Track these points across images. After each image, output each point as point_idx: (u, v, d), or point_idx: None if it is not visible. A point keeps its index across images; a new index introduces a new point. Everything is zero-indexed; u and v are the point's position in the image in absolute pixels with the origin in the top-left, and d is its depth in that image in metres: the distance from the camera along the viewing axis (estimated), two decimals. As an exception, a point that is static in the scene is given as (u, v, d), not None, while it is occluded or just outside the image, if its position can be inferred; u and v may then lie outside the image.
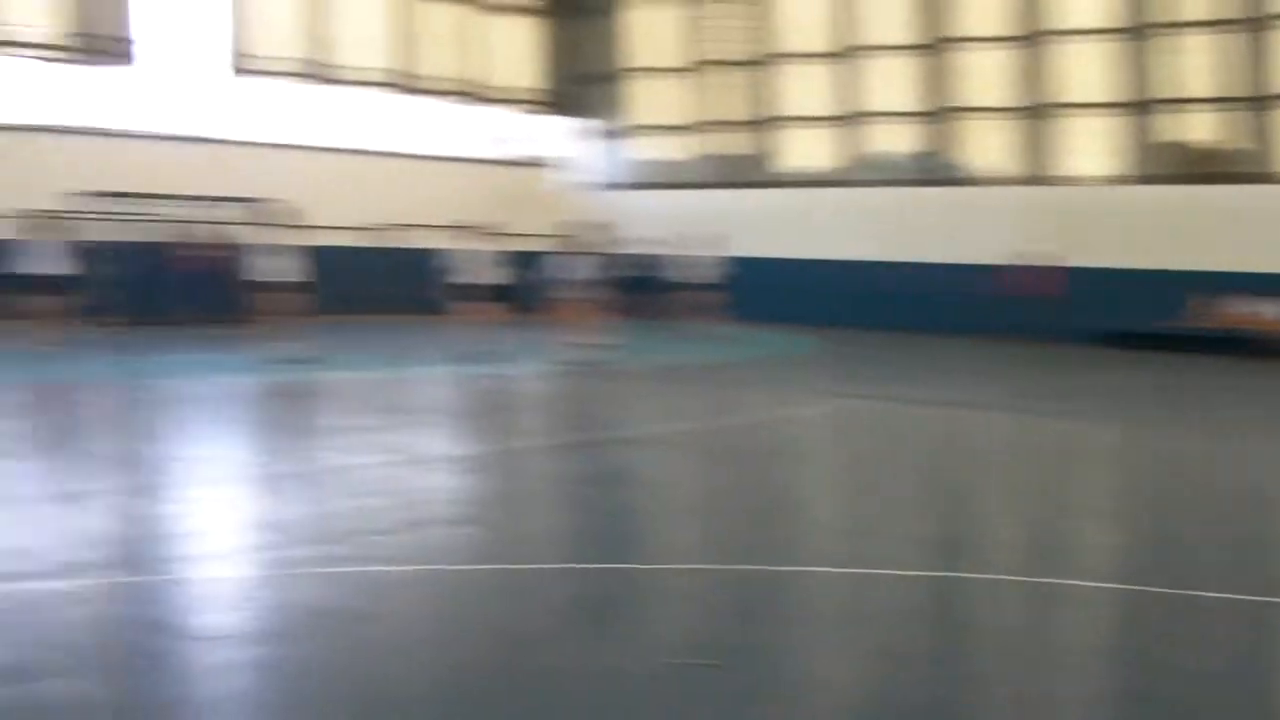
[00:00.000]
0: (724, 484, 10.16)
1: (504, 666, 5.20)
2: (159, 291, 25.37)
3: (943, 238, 27.66)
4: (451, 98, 32.79)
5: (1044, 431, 13.69)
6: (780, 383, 17.59)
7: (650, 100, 34.24)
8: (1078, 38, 27.08)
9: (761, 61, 31.99)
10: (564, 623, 6.01)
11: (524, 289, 28.78)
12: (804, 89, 31.40)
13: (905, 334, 25.84)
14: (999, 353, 23.10)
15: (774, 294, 28.77)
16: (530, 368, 18.53)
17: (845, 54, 30.40)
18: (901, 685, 5.14)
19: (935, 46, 28.89)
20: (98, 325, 22.77)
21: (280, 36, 29.41)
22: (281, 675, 5.03)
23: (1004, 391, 17.71)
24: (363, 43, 30.92)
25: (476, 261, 19.28)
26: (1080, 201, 26.93)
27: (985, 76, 28.45)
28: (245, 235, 25.43)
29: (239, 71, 28.80)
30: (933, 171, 29.24)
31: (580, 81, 35.16)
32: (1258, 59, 25.10)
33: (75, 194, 23.61)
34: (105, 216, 23.67)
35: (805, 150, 31.73)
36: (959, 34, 28.62)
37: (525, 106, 34.56)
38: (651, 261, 28.21)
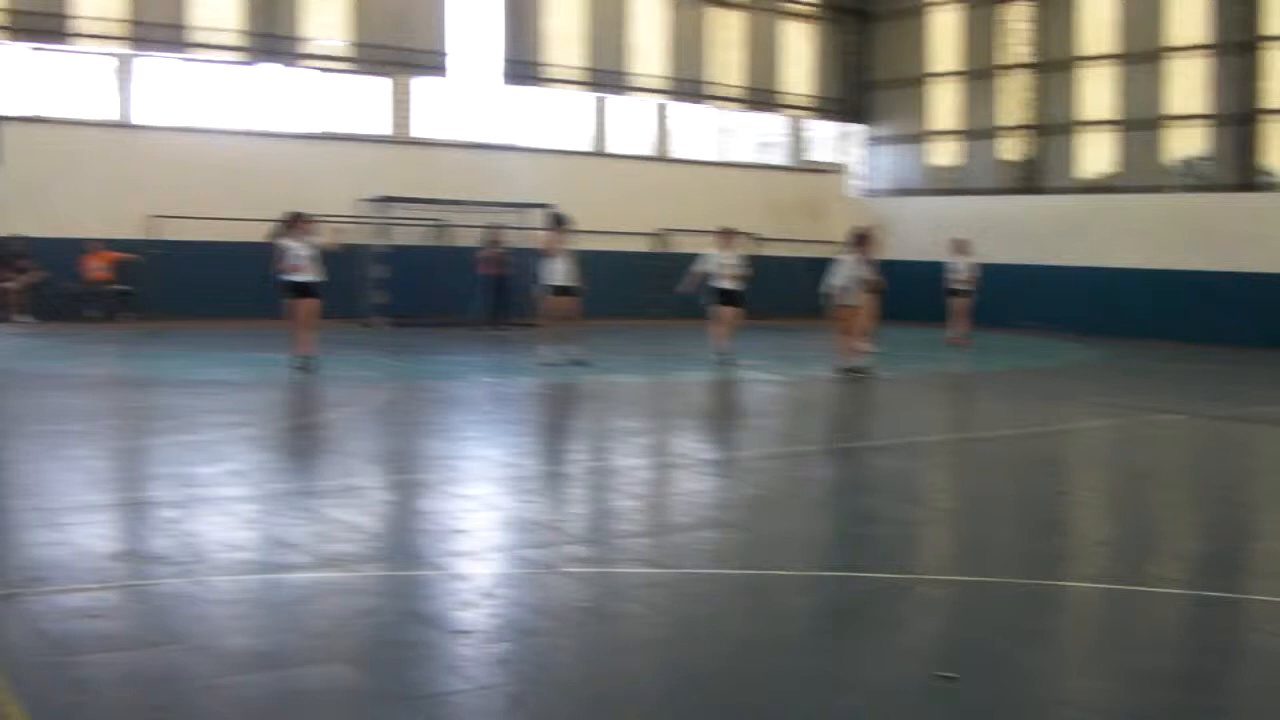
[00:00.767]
0: (988, 494, 9.77)
1: (738, 670, 5.16)
2: (433, 293, 26.41)
3: (1241, 245, 25.91)
4: (736, 104, 32.95)
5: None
6: (1052, 392, 16.83)
7: (933, 105, 33.58)
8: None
9: (1051, 65, 30.84)
10: (805, 629, 5.93)
11: (801, 294, 28.70)
12: (1095, 91, 30.12)
13: (1190, 346, 24.35)
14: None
15: (1047, 301, 27.77)
16: (800, 373, 18.40)
17: (1141, 56, 28.95)
18: (1150, 707, 4.86)
19: (1240, 46, 27.12)
20: (363, 326, 23.92)
21: (567, 45, 30.19)
22: (523, 671, 5.05)
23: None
24: (649, 50, 31.42)
25: (735, 266, 19.14)
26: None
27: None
28: (523, 240, 26.35)
29: (525, 80, 29.70)
30: (1227, 176, 27.47)
31: (865, 87, 34.82)
32: None
33: (365, 200, 24.91)
34: (391, 221, 24.77)
35: (1091, 155, 30.41)
36: (1268, 33, 26.84)
37: (809, 113, 34.42)
38: (925, 269, 27.62)
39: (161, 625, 5.45)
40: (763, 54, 33.25)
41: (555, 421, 13.59)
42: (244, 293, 23.47)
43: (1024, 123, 31.30)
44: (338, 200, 24.87)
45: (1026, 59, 31.11)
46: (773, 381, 17.60)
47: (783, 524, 8.35)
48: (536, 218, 25.97)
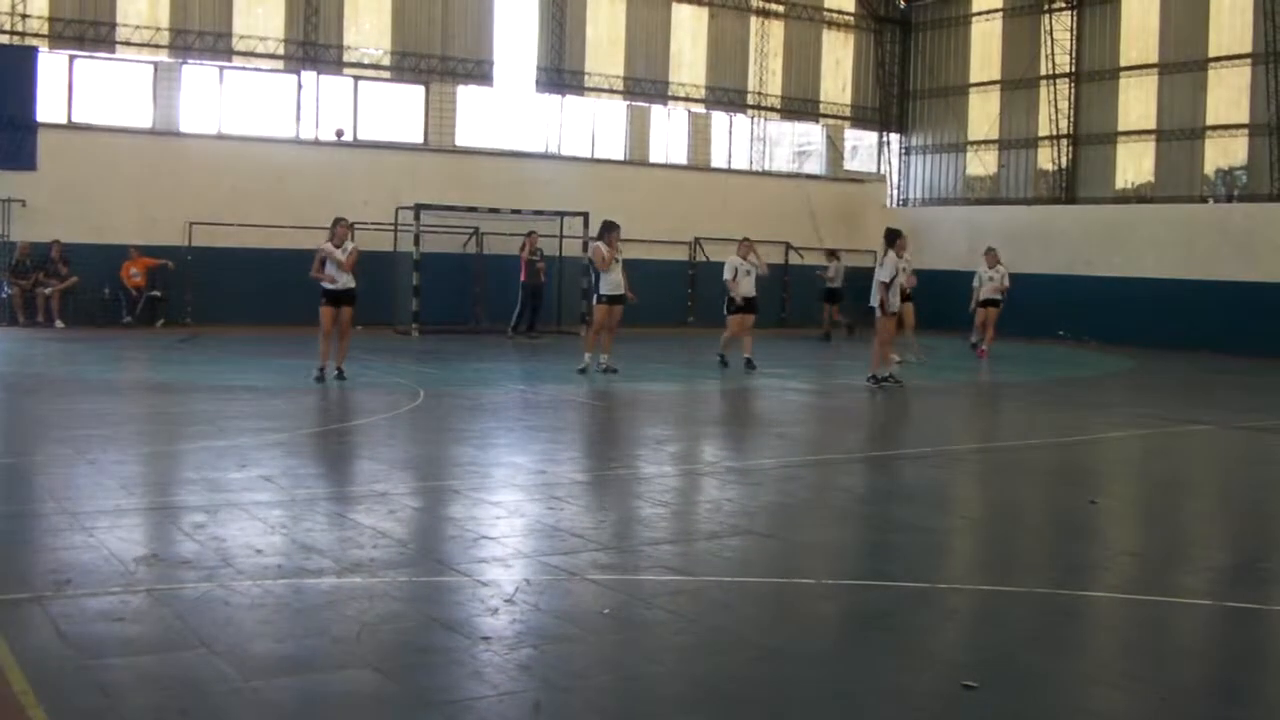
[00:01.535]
0: (1016, 503, 9.70)
1: (763, 678, 5.14)
2: (464, 301, 26.47)
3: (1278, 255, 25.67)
4: (775, 113, 32.92)
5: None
6: (1085, 402, 16.69)
7: (972, 115, 33.43)
8: None
9: (1090, 74, 30.67)
10: (831, 638, 5.93)
11: (831, 301, 28.59)
12: (1134, 101, 29.91)
13: (1226, 356, 24.11)
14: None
15: (1083, 311, 27.60)
16: (831, 381, 18.34)
17: (1181, 65, 28.73)
18: (1176, 719, 4.78)
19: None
20: (396, 332, 23.99)
21: (606, 54, 30.23)
22: (547, 677, 5.02)
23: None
24: (689, 59, 31.43)
25: (754, 275, 19.22)
26: None
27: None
28: (559, 248, 26.39)
29: (563, 89, 29.76)
30: (1265, 186, 27.16)
31: (903, 97, 34.75)
32: None
33: (402, 207, 25.01)
34: (427, 229, 24.85)
35: (1129, 165, 30.20)
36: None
37: (847, 122, 34.36)
38: (962, 278, 27.52)
39: (187, 629, 5.46)
40: (802, 63, 33.21)
41: (585, 429, 13.58)
42: (280, 299, 23.64)
43: (1062, 132, 31.10)
44: (375, 207, 25.03)
45: (1066, 69, 30.92)
46: (803, 390, 17.54)
47: (809, 532, 8.32)
48: (573, 226, 26.11)
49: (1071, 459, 11.91)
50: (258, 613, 5.75)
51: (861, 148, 34.92)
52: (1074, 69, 30.92)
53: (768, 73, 32.44)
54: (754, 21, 32.23)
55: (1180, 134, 29.01)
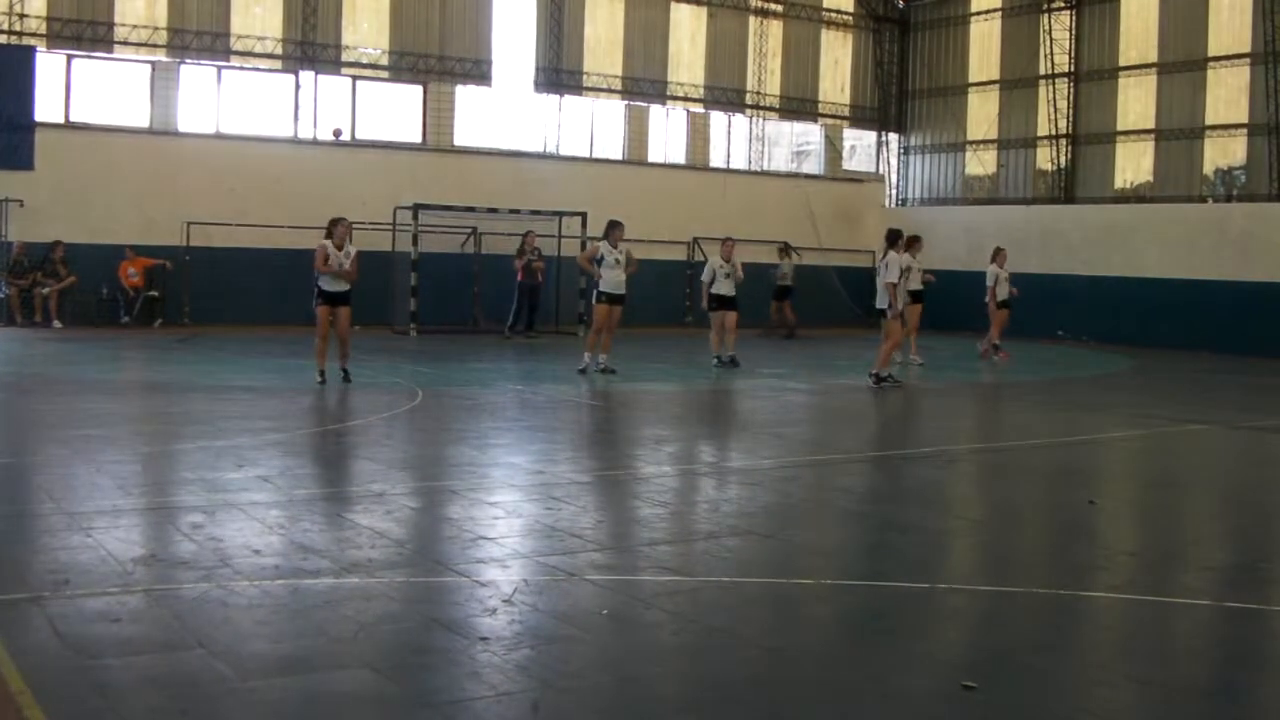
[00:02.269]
0: (1017, 503, 9.70)
1: (761, 679, 5.14)
2: (463, 301, 26.44)
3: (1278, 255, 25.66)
4: (774, 113, 32.92)
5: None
6: (1085, 402, 16.69)
7: (971, 115, 33.43)
8: None
9: (1089, 74, 30.67)
10: (830, 638, 5.94)
11: (835, 303, 28.60)
12: (1133, 101, 29.92)
13: (1226, 356, 24.11)
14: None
15: (1083, 311, 27.63)
16: (831, 381, 18.34)
17: (1181, 65, 28.73)
18: (1176, 718, 4.78)
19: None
20: (394, 332, 23.96)
21: (605, 54, 30.22)
22: (545, 678, 5.01)
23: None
24: (688, 59, 31.42)
25: (734, 274, 19.44)
26: None
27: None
28: (558, 248, 26.37)
29: (562, 88, 29.75)
30: (1265, 186, 27.16)
31: (902, 96, 34.76)
32: None
33: (400, 207, 24.99)
34: (426, 229, 24.84)
35: (1128, 165, 30.20)
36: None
37: (846, 121, 34.36)
38: (961, 278, 27.55)
39: (184, 630, 5.45)
40: (801, 63, 33.20)
41: (583, 429, 13.58)
42: (278, 299, 23.64)
43: (1061, 132, 31.10)
44: (373, 207, 25.01)
45: (1065, 68, 30.91)
46: (803, 390, 17.54)
47: (808, 533, 8.31)
48: (571, 226, 26.09)
49: (1071, 459, 11.91)
50: (255, 613, 5.74)
51: (860, 147, 34.91)
52: (1073, 69, 30.92)
53: (766, 72, 32.44)
54: (753, 21, 32.22)
55: (1179, 134, 29.01)
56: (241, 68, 26.47)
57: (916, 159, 34.99)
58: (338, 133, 27.09)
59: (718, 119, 32.35)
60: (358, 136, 27.61)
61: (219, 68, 26.26)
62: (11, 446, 10.75)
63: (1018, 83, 32.01)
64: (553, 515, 8.11)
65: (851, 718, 4.82)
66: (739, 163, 32.66)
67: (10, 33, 24.16)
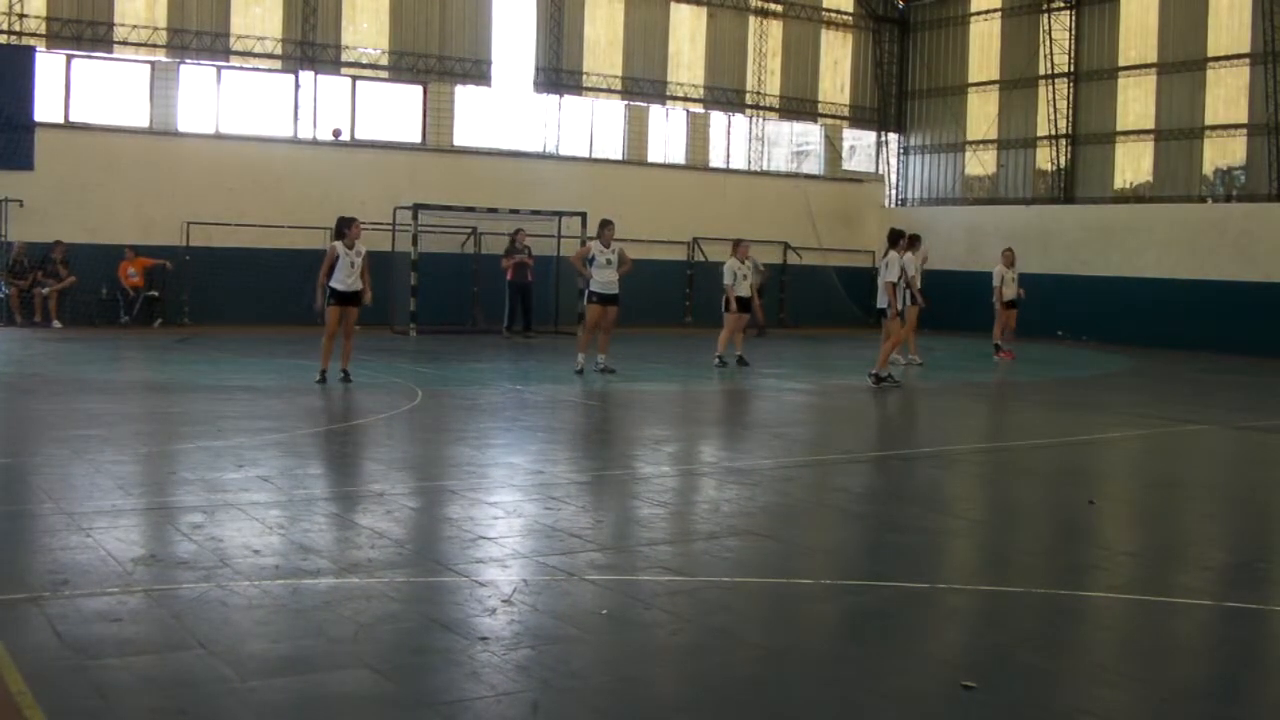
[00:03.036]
0: (1016, 504, 9.70)
1: (761, 679, 5.13)
2: (462, 301, 26.45)
3: (1277, 255, 25.65)
4: (773, 113, 32.92)
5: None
6: (1084, 402, 16.69)
7: (970, 115, 33.44)
8: None
9: (1089, 74, 30.68)
10: (830, 638, 5.94)
11: (835, 303, 28.62)
12: (1133, 101, 29.92)
13: (1225, 356, 24.12)
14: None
15: (1082, 311, 27.63)
16: (831, 381, 18.34)
17: (1180, 65, 28.73)
18: (1175, 718, 4.78)
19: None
20: (394, 332, 23.97)
21: (604, 54, 30.21)
22: (545, 678, 5.01)
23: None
24: (687, 59, 31.41)
25: (748, 275, 19.46)
26: None
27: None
28: (557, 248, 26.37)
29: (562, 89, 29.74)
30: (1264, 186, 27.16)
31: (902, 96, 34.77)
32: None
33: (400, 206, 24.98)
34: (425, 228, 24.84)
35: (1128, 165, 30.21)
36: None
37: (846, 122, 34.36)
38: (960, 279, 27.64)
39: (184, 630, 5.45)
40: (801, 63, 33.20)
41: (582, 429, 13.57)
42: (277, 299, 23.64)
43: (1060, 132, 31.10)
44: (372, 207, 25.00)
45: (1065, 68, 30.91)
46: (803, 390, 17.54)
47: (808, 533, 8.32)
48: (571, 226, 26.08)
49: (1070, 459, 11.91)
50: (255, 613, 5.74)
51: (860, 147, 34.91)
52: (1073, 69, 30.92)
53: (766, 72, 32.43)
54: (752, 21, 32.22)
55: (1179, 134, 29.01)
56: (241, 68, 26.46)
57: (916, 159, 35.00)
58: (337, 133, 27.09)
59: (717, 119, 32.35)
60: (357, 136, 27.61)
61: (219, 68, 26.25)
62: (11, 446, 10.75)
63: (1017, 83, 32.02)
64: (552, 515, 8.11)
65: (851, 718, 4.82)
66: (739, 163, 32.66)
67: (10, 33, 24.15)
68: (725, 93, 31.96)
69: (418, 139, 28.27)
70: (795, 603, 6.43)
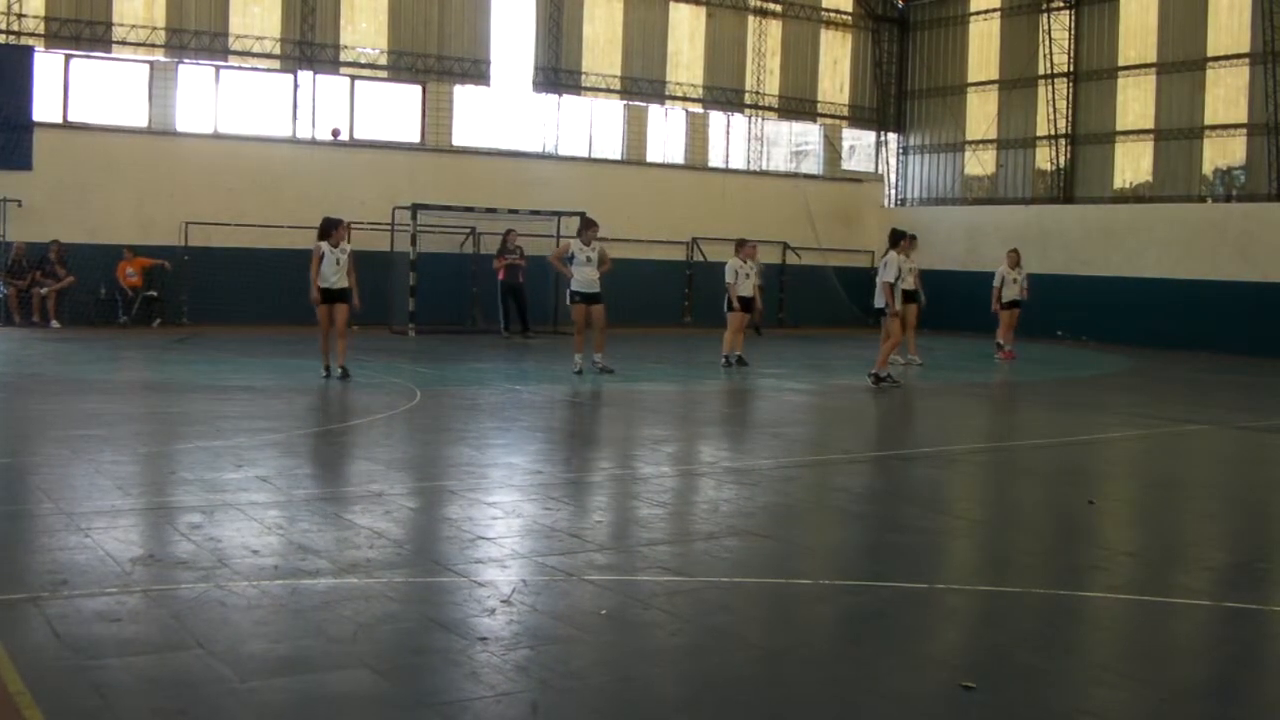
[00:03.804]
0: (1016, 504, 9.70)
1: (760, 679, 5.13)
2: (461, 301, 26.44)
3: (1277, 255, 25.60)
4: (772, 113, 32.92)
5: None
6: (1083, 402, 16.69)
7: (970, 115, 33.44)
8: None
9: (1089, 74, 30.68)
10: (829, 638, 5.93)
11: (834, 303, 28.61)
12: (1132, 100, 29.93)
13: (1224, 357, 24.13)
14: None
15: (1082, 311, 27.63)
16: (830, 381, 18.34)
17: (1180, 65, 28.73)
18: (1175, 719, 4.78)
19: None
20: (391, 332, 23.97)
21: (603, 53, 30.21)
22: (544, 678, 5.00)
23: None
24: (686, 59, 31.41)
25: (752, 275, 19.53)
26: None
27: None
28: (552, 248, 26.35)
29: (560, 88, 29.74)
30: (1264, 186, 27.16)
31: (901, 96, 34.77)
32: None
33: (398, 207, 24.97)
34: (424, 228, 24.83)
35: (1127, 164, 30.21)
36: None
37: (845, 121, 34.37)
38: (960, 279, 27.65)
39: (183, 630, 5.44)
40: (800, 63, 33.21)
41: (581, 429, 13.57)
42: (276, 299, 23.63)
43: (1060, 132, 31.10)
44: (371, 207, 25.02)
45: (1064, 68, 30.92)
46: (802, 390, 17.53)
47: (807, 533, 8.31)
48: (570, 226, 26.06)
49: (1070, 459, 11.90)
50: (254, 613, 5.73)
51: (859, 147, 34.92)
52: (1072, 69, 30.92)
53: (765, 72, 32.43)
54: (751, 21, 32.22)
55: (1179, 134, 29.01)
56: (240, 68, 26.45)
57: (915, 159, 34.99)
58: (336, 133, 27.08)
59: (716, 119, 32.35)
60: (356, 136, 27.61)
61: (217, 67, 26.25)
62: (10, 446, 10.74)
63: (1017, 83, 32.02)
64: (551, 515, 8.11)
65: (851, 718, 4.82)
66: (738, 163, 32.66)
67: (8, 33, 24.15)
68: (724, 92, 31.95)
69: (417, 139, 28.26)
70: (795, 603, 6.43)
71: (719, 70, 31.82)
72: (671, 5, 31.00)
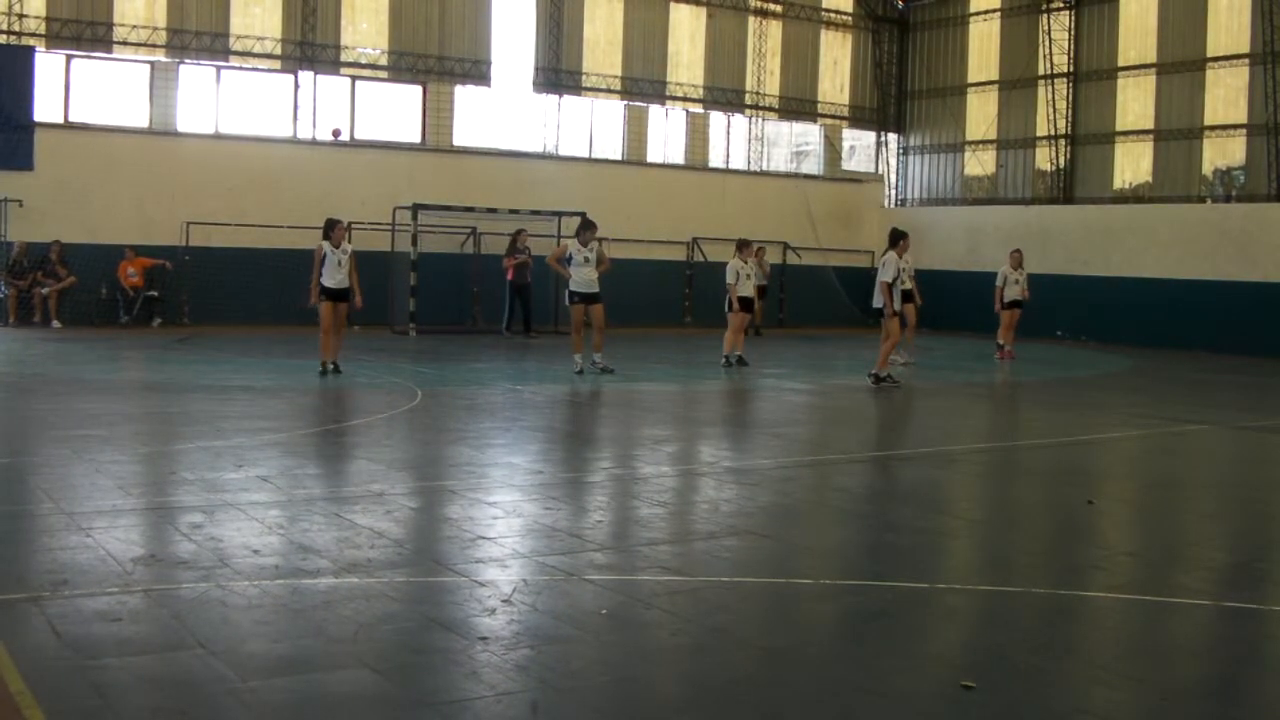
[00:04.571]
0: (1016, 504, 9.70)
1: (760, 678, 5.13)
2: (461, 300, 26.44)
3: (1277, 255, 25.64)
4: (773, 113, 32.92)
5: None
6: (1083, 402, 16.68)
7: (970, 115, 33.44)
8: None
9: (1088, 74, 30.68)
10: (829, 638, 5.93)
11: (834, 303, 28.60)
12: (1132, 101, 29.93)
13: (1224, 357, 24.12)
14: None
15: (1082, 311, 27.63)
16: (831, 381, 18.34)
17: (1179, 65, 28.73)
18: (1175, 718, 4.78)
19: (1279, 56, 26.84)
20: (392, 332, 23.98)
21: (604, 54, 30.21)
22: (544, 678, 5.01)
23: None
24: (687, 59, 31.41)
25: (752, 275, 19.65)
26: None
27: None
28: (552, 248, 26.36)
29: (561, 89, 29.74)
30: (1264, 187, 27.16)
31: (901, 97, 34.77)
32: None
33: (399, 207, 24.98)
34: (425, 229, 24.84)
35: (1127, 165, 30.21)
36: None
37: (845, 122, 34.37)
38: (960, 279, 27.67)
39: (184, 630, 5.45)
40: (800, 63, 33.21)
41: (581, 428, 13.57)
42: (277, 298, 23.63)
43: (1060, 133, 31.11)
44: (372, 207, 25.02)
45: (1064, 69, 30.92)
46: (802, 390, 17.54)
47: (808, 533, 8.31)
48: (570, 226, 26.07)
49: (1069, 459, 11.90)
50: (255, 613, 5.73)
51: (859, 148, 34.92)
52: (1072, 69, 30.92)
53: (765, 73, 32.43)
54: (752, 21, 32.22)
55: (1178, 134, 29.02)
56: (241, 68, 26.46)
57: (915, 159, 35.00)
58: (337, 133, 27.08)
59: (717, 119, 32.35)
60: (357, 136, 27.61)
61: (218, 68, 26.25)
62: (11, 446, 10.74)
63: (1017, 83, 32.02)
64: (552, 515, 8.11)
65: (851, 718, 4.81)
66: (738, 163, 32.66)
67: (9, 33, 24.15)
68: (725, 93, 31.95)
69: (417, 139, 28.26)
70: (795, 603, 6.43)
71: (719, 71, 31.82)
72: (672, 6, 31.00)
